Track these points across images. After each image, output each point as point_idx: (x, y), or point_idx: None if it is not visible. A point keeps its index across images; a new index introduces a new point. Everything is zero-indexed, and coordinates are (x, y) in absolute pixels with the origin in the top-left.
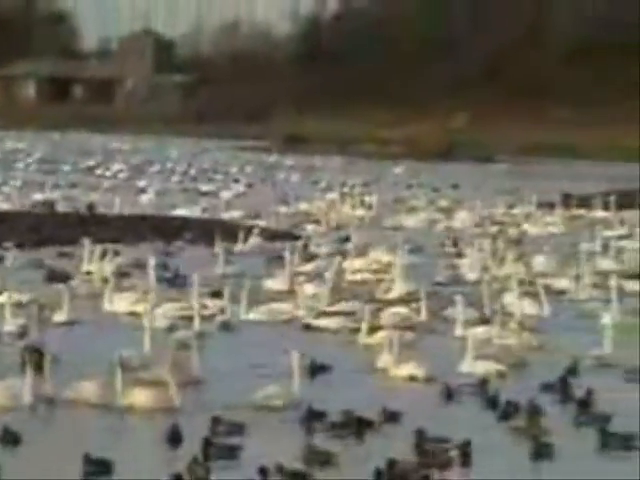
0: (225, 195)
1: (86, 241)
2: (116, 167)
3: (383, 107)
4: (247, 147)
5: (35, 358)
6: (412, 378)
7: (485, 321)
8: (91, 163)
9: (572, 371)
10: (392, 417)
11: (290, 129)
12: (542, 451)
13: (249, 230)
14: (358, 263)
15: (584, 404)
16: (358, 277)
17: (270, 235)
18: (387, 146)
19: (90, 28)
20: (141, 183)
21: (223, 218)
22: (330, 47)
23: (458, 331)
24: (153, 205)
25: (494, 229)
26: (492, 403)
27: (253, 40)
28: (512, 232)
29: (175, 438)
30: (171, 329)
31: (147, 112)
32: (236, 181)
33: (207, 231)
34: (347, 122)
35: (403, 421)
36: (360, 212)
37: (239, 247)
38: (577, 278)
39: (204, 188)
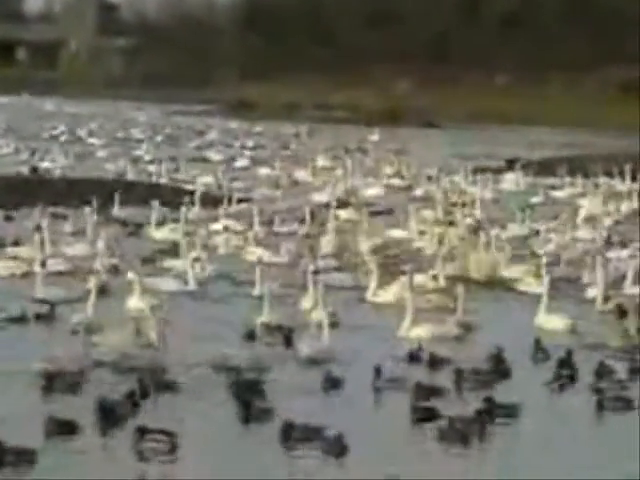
0: (239, 164)
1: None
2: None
3: (324, 73)
4: (191, 112)
5: None
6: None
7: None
8: (62, 128)
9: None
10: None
11: (234, 94)
12: None
13: (192, 194)
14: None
15: None
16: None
17: (211, 199)
18: (331, 111)
19: None
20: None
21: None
22: (273, 12)
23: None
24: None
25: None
26: None
27: (197, 4)
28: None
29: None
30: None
31: (90, 75)
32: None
33: (151, 194)
34: (289, 87)
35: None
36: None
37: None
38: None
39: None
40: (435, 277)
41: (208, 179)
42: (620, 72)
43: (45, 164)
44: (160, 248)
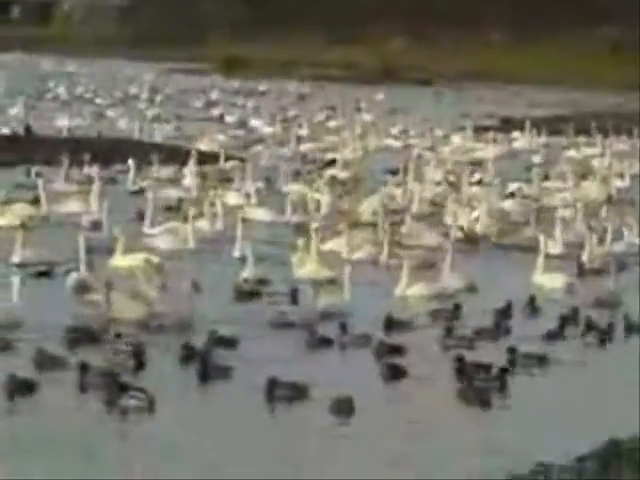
0: (255, 123)
1: None
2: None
3: (316, 31)
4: (186, 70)
5: None
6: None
7: None
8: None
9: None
10: None
11: (227, 53)
12: None
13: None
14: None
15: None
16: None
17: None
18: (326, 69)
19: None
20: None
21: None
22: None
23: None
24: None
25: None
26: None
27: None
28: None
29: None
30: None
31: (83, 34)
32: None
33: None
34: (282, 45)
35: None
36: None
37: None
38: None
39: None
40: (447, 234)
41: (221, 138)
42: (612, 31)
43: (60, 123)
44: (160, 206)
